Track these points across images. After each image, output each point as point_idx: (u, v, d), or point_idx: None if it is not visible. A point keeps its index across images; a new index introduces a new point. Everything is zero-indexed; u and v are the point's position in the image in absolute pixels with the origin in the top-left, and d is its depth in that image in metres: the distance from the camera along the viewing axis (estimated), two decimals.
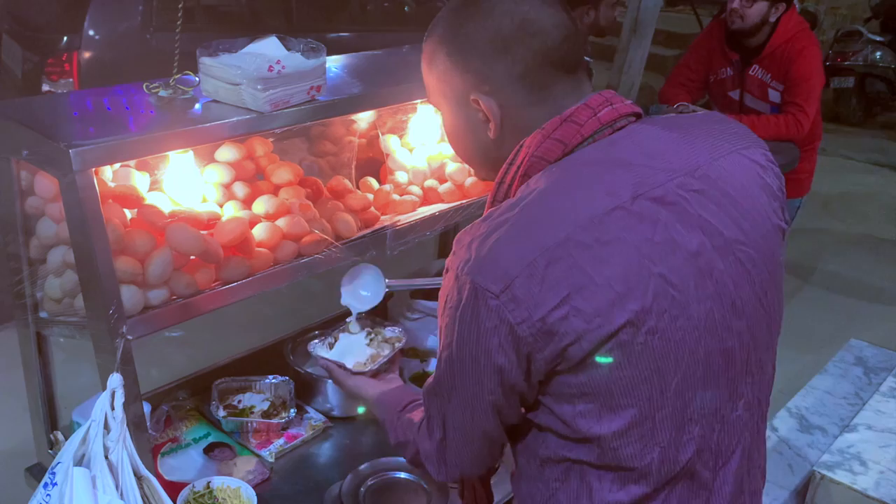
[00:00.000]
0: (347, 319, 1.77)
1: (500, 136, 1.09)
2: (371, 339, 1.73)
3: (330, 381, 1.95)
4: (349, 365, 1.57)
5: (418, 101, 2.02)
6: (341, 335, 1.74)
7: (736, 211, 1.03)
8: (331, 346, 1.70)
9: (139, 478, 1.32)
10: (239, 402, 1.93)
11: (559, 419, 1.02)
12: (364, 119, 2.00)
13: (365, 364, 1.60)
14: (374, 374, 1.57)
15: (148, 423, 1.69)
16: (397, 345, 1.72)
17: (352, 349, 1.67)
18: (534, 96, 1.05)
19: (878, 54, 7.62)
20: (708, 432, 1.06)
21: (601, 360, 0.96)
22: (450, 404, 1.09)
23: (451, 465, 1.16)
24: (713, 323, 1.01)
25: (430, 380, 1.13)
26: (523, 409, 1.08)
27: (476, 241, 0.99)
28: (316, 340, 1.74)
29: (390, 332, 1.79)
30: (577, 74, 1.07)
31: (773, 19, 3.13)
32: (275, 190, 1.74)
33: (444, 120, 1.16)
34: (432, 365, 2.15)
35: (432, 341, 2.24)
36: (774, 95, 3.22)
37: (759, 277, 1.06)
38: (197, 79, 1.58)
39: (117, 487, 1.28)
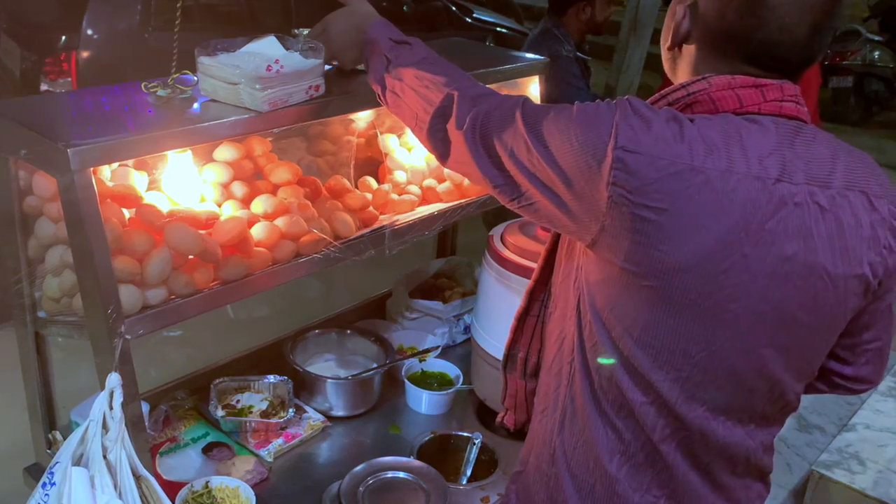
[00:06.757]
0: None
1: (673, 55, 1.15)
2: None
3: (329, 380, 1.97)
4: None
5: None
6: None
7: (838, 242, 1.03)
8: None
9: (137, 477, 1.32)
10: (237, 401, 1.93)
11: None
12: (363, 118, 2.00)
13: None
14: None
15: (146, 423, 1.69)
16: None
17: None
18: (728, 55, 1.07)
19: (876, 54, 7.63)
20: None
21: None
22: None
23: None
24: (765, 323, 1.04)
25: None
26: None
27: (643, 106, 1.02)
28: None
29: None
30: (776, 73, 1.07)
31: None
32: (273, 189, 1.74)
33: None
34: (432, 365, 2.15)
35: (432, 341, 2.24)
36: None
37: (823, 312, 1.07)
38: (195, 78, 1.57)
39: (116, 487, 1.28)
